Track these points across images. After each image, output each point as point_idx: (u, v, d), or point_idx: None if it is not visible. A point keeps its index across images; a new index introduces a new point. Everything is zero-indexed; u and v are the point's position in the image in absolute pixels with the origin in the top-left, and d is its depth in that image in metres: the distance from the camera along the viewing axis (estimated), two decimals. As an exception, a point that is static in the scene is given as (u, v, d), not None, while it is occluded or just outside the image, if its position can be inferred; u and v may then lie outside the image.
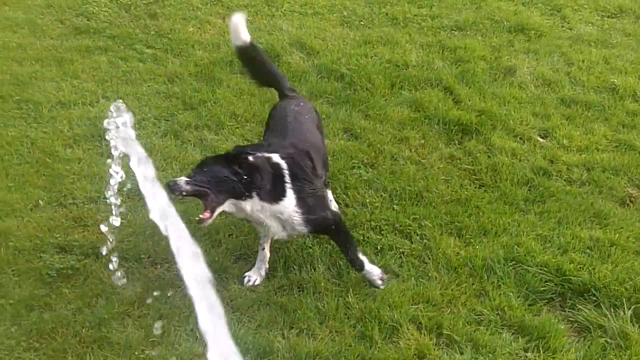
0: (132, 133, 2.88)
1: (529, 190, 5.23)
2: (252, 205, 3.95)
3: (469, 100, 6.28)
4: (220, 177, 3.84)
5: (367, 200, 5.03)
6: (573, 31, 7.75)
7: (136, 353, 3.85)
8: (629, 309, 4.14)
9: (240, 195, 3.89)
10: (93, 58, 6.86)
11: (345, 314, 4.15)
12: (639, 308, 4.16)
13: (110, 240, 3.81)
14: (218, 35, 7.36)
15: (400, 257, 4.59)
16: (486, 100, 6.28)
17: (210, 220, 3.84)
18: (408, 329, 4.03)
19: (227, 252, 4.57)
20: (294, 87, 5.12)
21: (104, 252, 3.97)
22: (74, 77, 6.51)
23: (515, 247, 4.63)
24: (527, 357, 3.93)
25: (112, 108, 2.95)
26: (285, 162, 4.08)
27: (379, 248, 4.63)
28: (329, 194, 4.77)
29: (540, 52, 7.21)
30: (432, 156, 5.56)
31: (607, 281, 4.32)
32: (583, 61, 7.04)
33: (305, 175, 4.15)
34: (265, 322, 4.08)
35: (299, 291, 4.32)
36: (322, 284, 4.34)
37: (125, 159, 3.00)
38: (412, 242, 4.70)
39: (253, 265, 4.42)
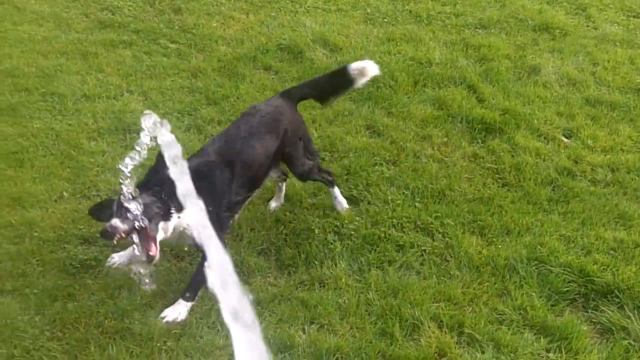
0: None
1: (553, 190, 5.20)
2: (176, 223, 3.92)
3: (493, 99, 6.25)
4: (145, 204, 3.73)
5: (389, 198, 5.02)
6: (598, 31, 7.70)
7: (158, 345, 3.86)
8: (653, 311, 4.11)
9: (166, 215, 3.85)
10: (117, 52, 6.90)
11: (366, 311, 4.15)
12: (664, 310, 4.12)
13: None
14: (242, 31, 7.37)
15: (422, 254, 4.58)
16: (510, 99, 6.25)
17: (158, 254, 3.76)
18: (429, 327, 4.03)
19: (249, 246, 4.57)
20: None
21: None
22: (99, 70, 6.55)
23: (539, 247, 4.61)
24: (549, 357, 3.91)
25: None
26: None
27: (400, 245, 4.62)
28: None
29: (565, 51, 7.17)
30: (455, 154, 5.55)
31: (631, 283, 4.30)
32: (608, 61, 6.99)
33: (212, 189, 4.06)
34: (286, 316, 4.09)
35: (320, 287, 4.32)
36: (343, 280, 4.34)
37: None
38: (434, 240, 4.68)
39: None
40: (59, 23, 7.42)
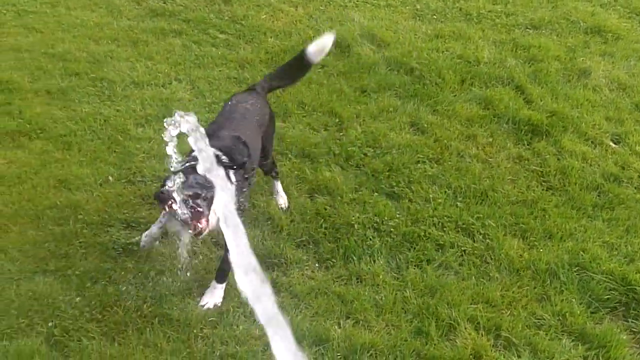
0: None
1: (598, 195, 5.12)
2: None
3: (541, 101, 6.16)
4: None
5: (431, 196, 4.99)
6: (652, 35, 7.53)
7: (195, 331, 3.91)
8: (696, 324, 4.03)
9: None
10: (167, 40, 6.97)
11: (403, 309, 4.14)
12: None
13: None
14: (290, 24, 7.39)
15: (462, 255, 4.55)
16: (558, 102, 6.16)
17: (208, 229, 3.67)
18: (465, 328, 4.00)
19: (289, 238, 4.60)
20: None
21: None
22: (148, 58, 6.63)
23: (581, 253, 4.54)
24: (586, 365, 3.87)
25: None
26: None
27: (440, 245, 4.60)
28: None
29: (617, 55, 7.03)
30: (499, 155, 5.49)
31: (675, 294, 4.21)
32: (661, 67, 6.84)
33: None
34: (322, 310, 4.10)
35: (357, 282, 4.32)
36: (381, 277, 4.33)
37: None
38: (474, 241, 4.65)
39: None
40: (111, 10, 7.53)
